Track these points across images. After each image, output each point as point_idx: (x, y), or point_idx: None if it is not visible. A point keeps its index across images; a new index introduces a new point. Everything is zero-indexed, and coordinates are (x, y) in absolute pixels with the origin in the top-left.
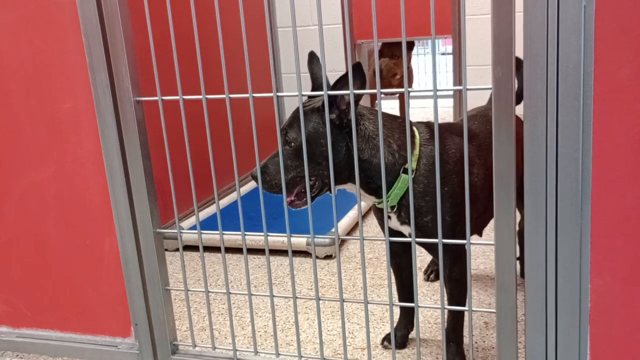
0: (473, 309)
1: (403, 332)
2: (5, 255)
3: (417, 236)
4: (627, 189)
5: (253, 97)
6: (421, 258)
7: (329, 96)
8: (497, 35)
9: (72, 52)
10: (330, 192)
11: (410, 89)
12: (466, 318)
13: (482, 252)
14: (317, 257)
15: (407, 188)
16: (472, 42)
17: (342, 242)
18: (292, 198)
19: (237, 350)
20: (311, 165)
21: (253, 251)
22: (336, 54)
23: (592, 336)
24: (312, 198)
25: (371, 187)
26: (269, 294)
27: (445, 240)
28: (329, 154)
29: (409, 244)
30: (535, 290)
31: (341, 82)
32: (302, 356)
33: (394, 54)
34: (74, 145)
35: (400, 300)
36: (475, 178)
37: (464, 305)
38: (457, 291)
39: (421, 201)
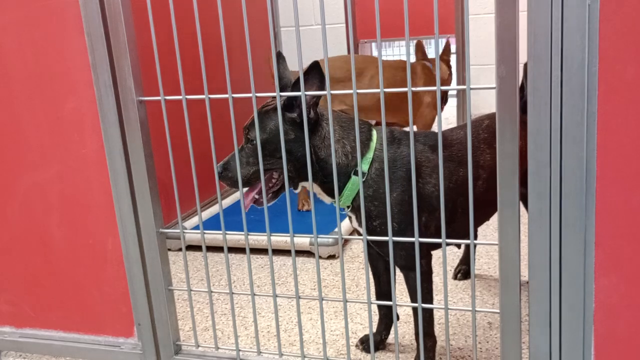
0: (476, 309)
1: (377, 337)
2: (9, 255)
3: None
4: (632, 188)
5: (256, 96)
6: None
7: (290, 96)
8: (501, 34)
9: (75, 51)
10: (293, 188)
11: (413, 88)
12: (470, 318)
13: (485, 252)
14: (320, 257)
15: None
16: (475, 41)
17: (345, 242)
18: (256, 196)
19: (240, 350)
20: (273, 159)
21: (256, 251)
22: (339, 53)
23: (596, 336)
24: (276, 193)
25: (327, 186)
26: (272, 294)
27: (448, 240)
28: (282, 151)
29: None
30: (539, 290)
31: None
32: (305, 356)
33: None
34: (77, 145)
35: (379, 305)
36: (432, 188)
37: (429, 316)
38: (424, 294)
39: (370, 205)
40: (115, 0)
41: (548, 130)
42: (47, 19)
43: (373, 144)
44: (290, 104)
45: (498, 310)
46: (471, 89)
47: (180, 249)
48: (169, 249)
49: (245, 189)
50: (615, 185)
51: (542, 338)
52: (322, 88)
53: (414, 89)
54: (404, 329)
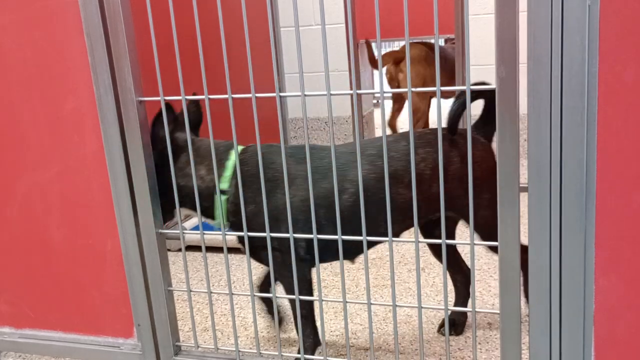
0: (476, 309)
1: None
2: (8, 256)
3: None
4: (633, 189)
5: (256, 97)
6: (424, 258)
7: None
8: (501, 35)
9: (74, 52)
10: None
11: (413, 89)
12: (471, 319)
13: (485, 252)
14: None
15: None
16: (475, 41)
17: None
18: None
19: (240, 351)
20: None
21: None
22: (339, 53)
23: (596, 337)
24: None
25: (201, 209)
26: (271, 295)
27: (448, 241)
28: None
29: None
30: (539, 291)
31: (156, 123)
32: (305, 357)
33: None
34: (77, 146)
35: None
36: (293, 198)
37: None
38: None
39: (233, 218)
40: (114, 0)
41: (548, 131)
42: (47, 19)
43: (230, 163)
44: (154, 141)
45: (498, 311)
46: (471, 89)
47: (180, 250)
48: (169, 250)
49: None
50: (616, 186)
51: (542, 339)
52: (176, 123)
53: (413, 89)
54: (404, 329)
